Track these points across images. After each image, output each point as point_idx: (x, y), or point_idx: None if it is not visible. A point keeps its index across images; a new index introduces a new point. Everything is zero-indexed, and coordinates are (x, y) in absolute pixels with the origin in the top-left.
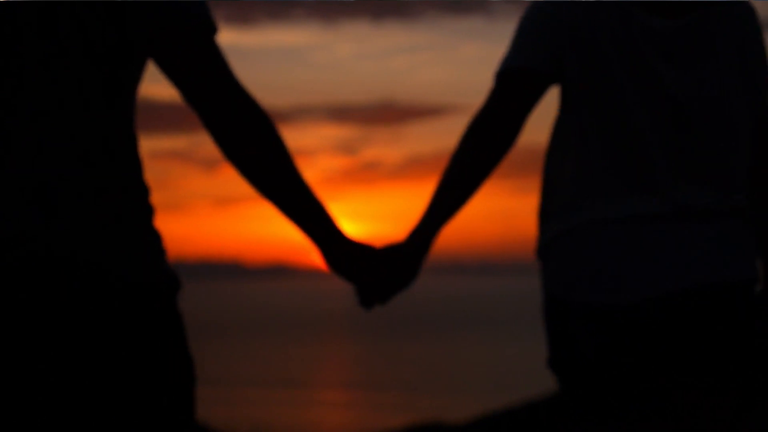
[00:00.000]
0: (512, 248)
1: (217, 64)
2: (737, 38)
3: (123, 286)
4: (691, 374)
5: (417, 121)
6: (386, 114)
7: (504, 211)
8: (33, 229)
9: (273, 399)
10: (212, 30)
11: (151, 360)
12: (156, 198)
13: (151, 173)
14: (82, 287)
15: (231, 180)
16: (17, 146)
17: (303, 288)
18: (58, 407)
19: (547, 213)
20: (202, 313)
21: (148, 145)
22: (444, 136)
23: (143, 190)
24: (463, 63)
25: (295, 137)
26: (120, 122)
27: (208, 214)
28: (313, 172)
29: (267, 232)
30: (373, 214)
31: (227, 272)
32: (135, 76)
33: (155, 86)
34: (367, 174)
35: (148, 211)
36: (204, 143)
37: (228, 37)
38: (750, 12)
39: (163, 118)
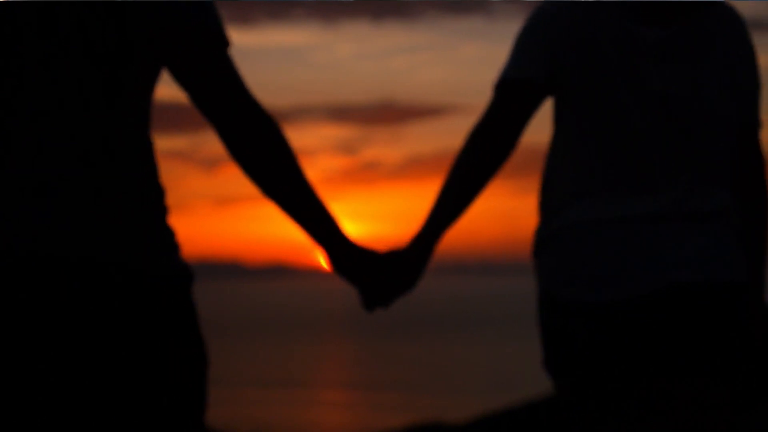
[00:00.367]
0: (513, 248)
1: (229, 78)
2: (726, 46)
3: (125, 280)
4: (687, 372)
5: (417, 121)
6: (386, 114)
7: (505, 211)
8: (33, 229)
9: (273, 399)
10: (225, 43)
11: (166, 350)
12: None
13: None
14: (82, 286)
15: (231, 180)
16: (17, 146)
17: (303, 288)
18: (76, 401)
19: (544, 211)
20: (202, 313)
21: None
22: (444, 136)
23: (149, 189)
24: (463, 63)
25: (295, 137)
26: (121, 122)
27: (208, 214)
28: (313, 172)
29: (267, 232)
30: (373, 214)
31: (227, 272)
32: (138, 77)
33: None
34: (367, 174)
35: (156, 209)
36: (204, 143)
37: None
38: (739, 21)
39: (164, 118)
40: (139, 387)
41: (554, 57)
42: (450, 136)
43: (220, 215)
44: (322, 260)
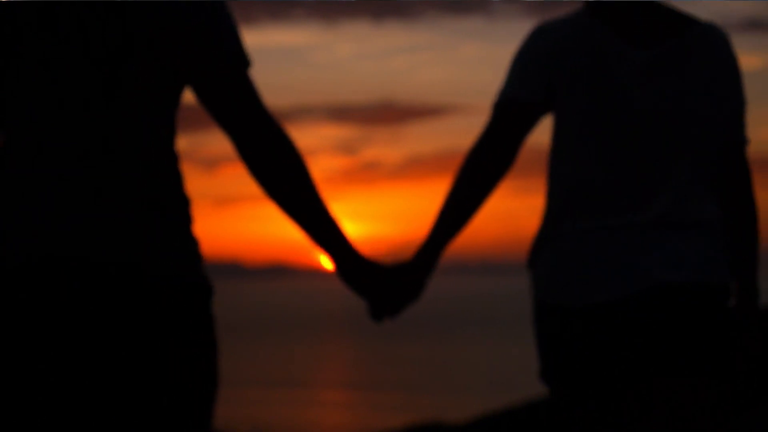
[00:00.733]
0: (513, 248)
1: (249, 98)
2: (711, 65)
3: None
4: (678, 372)
5: (417, 121)
6: (386, 114)
7: (505, 212)
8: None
9: (273, 399)
10: (246, 64)
11: (184, 355)
12: None
13: None
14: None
15: (231, 180)
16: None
17: (303, 288)
18: (84, 402)
19: (541, 223)
20: None
21: None
22: (444, 136)
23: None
24: (463, 63)
25: (295, 137)
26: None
27: (208, 214)
28: (313, 172)
29: (267, 232)
30: (373, 214)
31: (227, 272)
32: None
33: None
34: (367, 174)
35: (173, 214)
36: (204, 143)
37: None
38: (723, 39)
39: None
40: (145, 393)
41: (549, 80)
42: (450, 136)
43: (220, 215)
44: (322, 260)
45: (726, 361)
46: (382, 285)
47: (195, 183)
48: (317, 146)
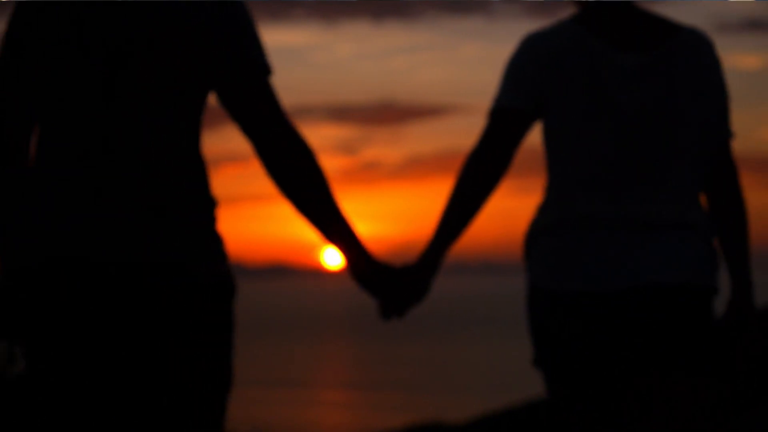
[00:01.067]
0: (513, 248)
1: (271, 106)
2: (696, 67)
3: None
4: (674, 368)
5: (417, 121)
6: (386, 114)
7: (505, 211)
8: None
9: (273, 399)
10: (268, 72)
11: (184, 354)
12: None
13: None
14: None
15: (231, 180)
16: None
17: (303, 288)
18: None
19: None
20: None
21: None
22: (444, 136)
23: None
24: (463, 63)
25: None
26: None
27: None
28: None
29: (267, 232)
30: (373, 214)
31: None
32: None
33: None
34: (367, 174)
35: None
36: (204, 143)
37: None
38: (707, 44)
39: None
40: (144, 393)
41: (540, 88)
42: (450, 136)
43: (220, 215)
44: (322, 260)
45: (725, 361)
46: (392, 285)
47: None
48: (317, 146)
